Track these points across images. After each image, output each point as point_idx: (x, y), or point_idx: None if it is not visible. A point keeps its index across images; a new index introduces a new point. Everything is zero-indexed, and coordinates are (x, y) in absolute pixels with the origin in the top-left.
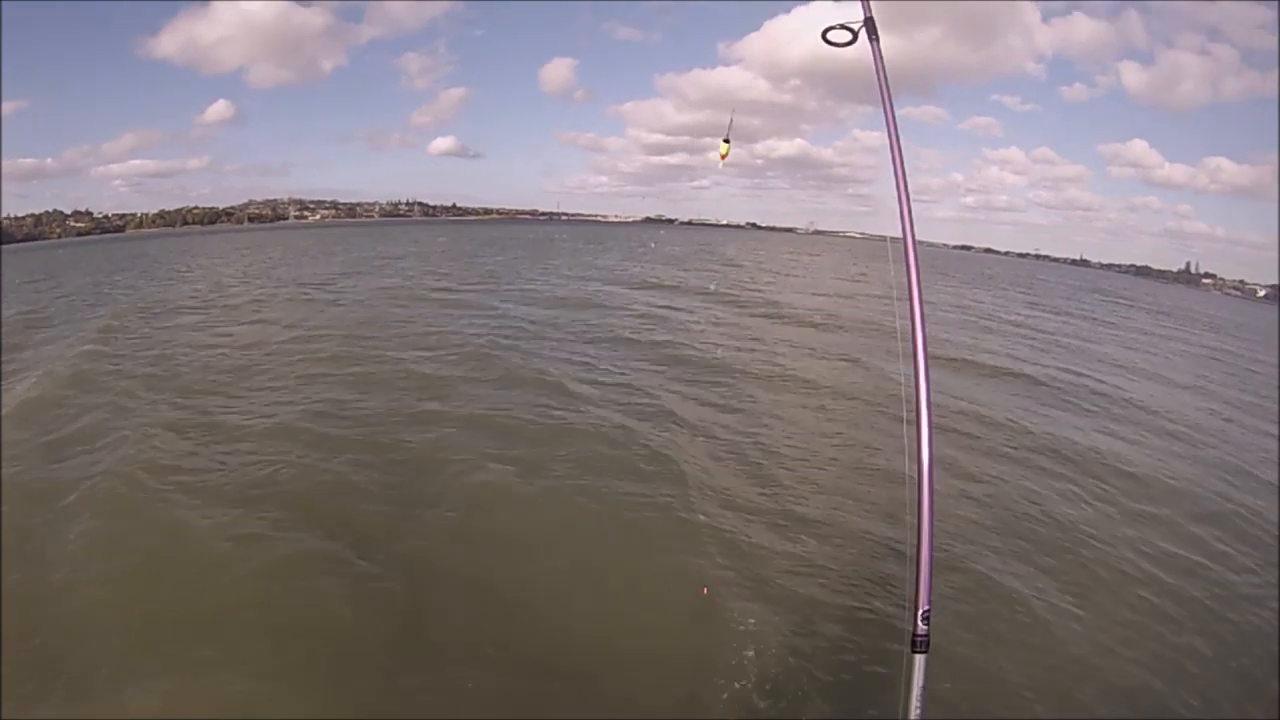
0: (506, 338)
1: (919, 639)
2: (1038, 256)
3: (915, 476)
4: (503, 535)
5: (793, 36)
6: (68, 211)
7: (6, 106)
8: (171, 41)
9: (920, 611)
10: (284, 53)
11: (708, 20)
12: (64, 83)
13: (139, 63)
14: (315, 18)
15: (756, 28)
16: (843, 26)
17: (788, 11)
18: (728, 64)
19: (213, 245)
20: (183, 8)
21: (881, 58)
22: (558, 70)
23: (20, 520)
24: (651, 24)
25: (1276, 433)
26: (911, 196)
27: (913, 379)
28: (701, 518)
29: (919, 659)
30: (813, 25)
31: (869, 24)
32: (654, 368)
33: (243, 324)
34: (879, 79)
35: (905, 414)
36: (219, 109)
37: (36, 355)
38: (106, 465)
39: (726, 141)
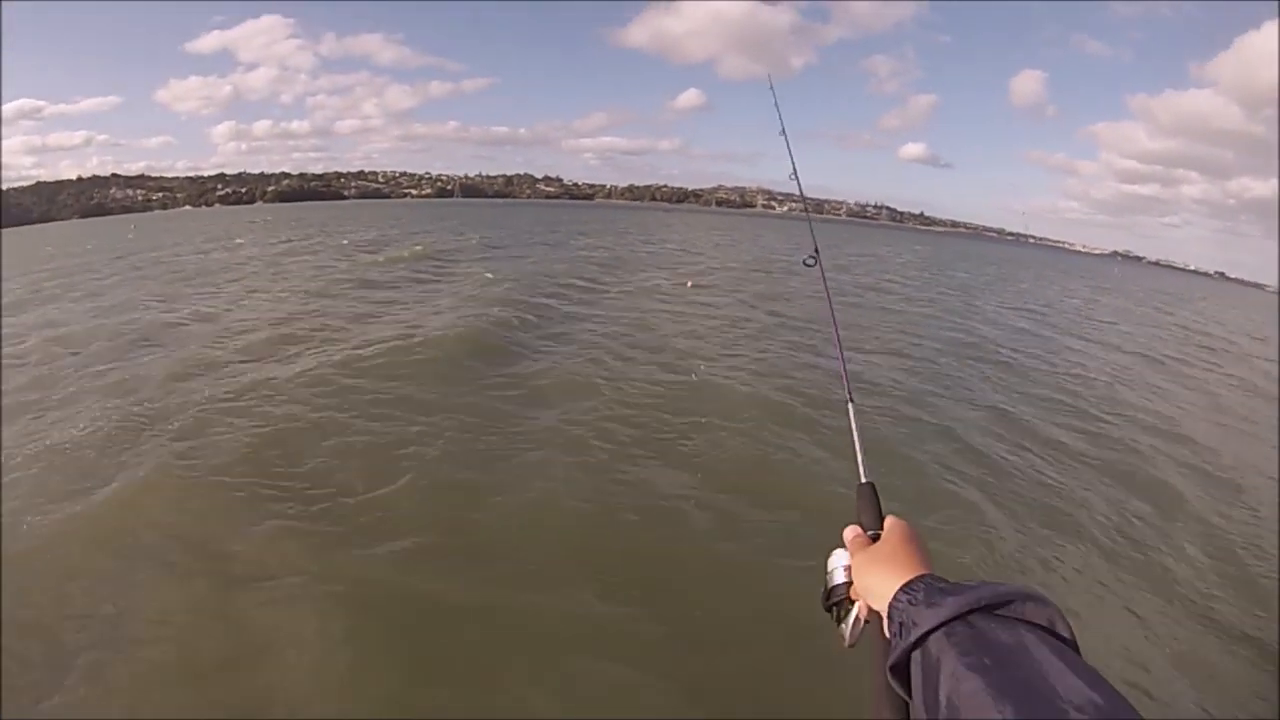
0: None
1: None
2: None
3: None
4: None
5: (1265, 55)
6: (538, 176)
7: (477, 83)
8: (641, 32)
9: None
10: (753, 48)
11: (1178, 37)
12: (533, 64)
13: (610, 50)
14: (782, 16)
15: (1227, 45)
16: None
17: (1258, 27)
18: (1200, 86)
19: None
20: (648, 6)
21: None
22: (1027, 83)
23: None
24: (1120, 39)
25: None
26: None
27: None
28: None
29: None
30: None
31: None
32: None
33: None
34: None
35: None
36: (690, 96)
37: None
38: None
39: None
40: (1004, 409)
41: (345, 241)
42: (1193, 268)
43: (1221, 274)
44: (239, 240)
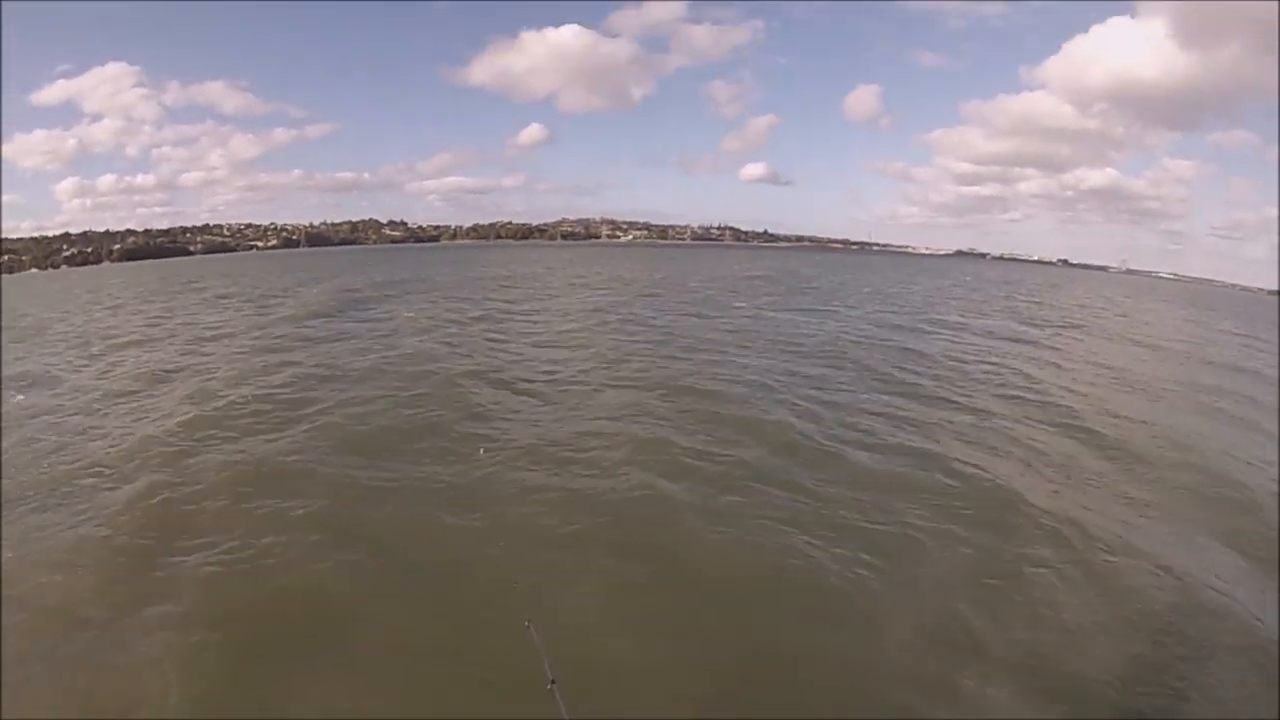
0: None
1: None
2: None
3: None
4: None
5: (1092, 57)
6: (383, 221)
7: (321, 129)
8: (482, 71)
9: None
10: (593, 81)
11: (1009, 44)
12: (376, 108)
13: (452, 90)
14: (622, 48)
15: (1055, 50)
16: None
17: (1085, 31)
18: (1031, 89)
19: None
20: (491, 40)
21: None
22: (862, 97)
23: None
24: (953, 50)
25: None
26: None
27: None
28: None
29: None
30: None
31: None
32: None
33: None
34: None
35: None
36: (532, 132)
37: None
38: None
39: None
40: None
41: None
42: (1036, 258)
43: (1065, 261)
44: None
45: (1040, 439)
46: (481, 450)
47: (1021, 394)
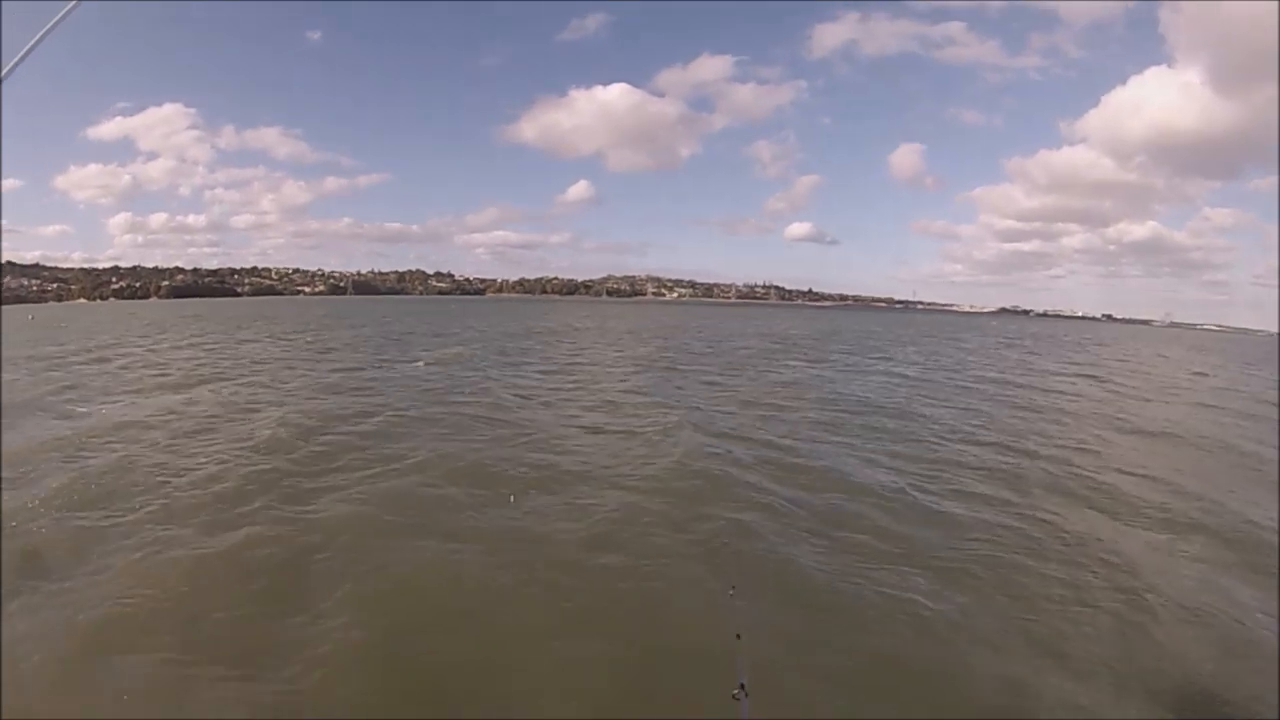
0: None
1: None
2: None
3: None
4: None
5: (1131, 109)
6: (430, 271)
7: (371, 179)
8: (531, 128)
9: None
10: (640, 140)
11: (1047, 98)
12: (426, 160)
13: (501, 146)
14: (669, 108)
15: (1095, 103)
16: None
17: (1124, 82)
18: (1071, 143)
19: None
20: (539, 97)
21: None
22: (906, 157)
23: None
24: (992, 106)
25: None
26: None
27: None
28: None
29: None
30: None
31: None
32: None
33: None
34: None
35: None
36: (579, 189)
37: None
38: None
39: None
40: None
41: None
42: (1081, 314)
43: (1109, 316)
44: None
45: None
46: (511, 498)
47: None
